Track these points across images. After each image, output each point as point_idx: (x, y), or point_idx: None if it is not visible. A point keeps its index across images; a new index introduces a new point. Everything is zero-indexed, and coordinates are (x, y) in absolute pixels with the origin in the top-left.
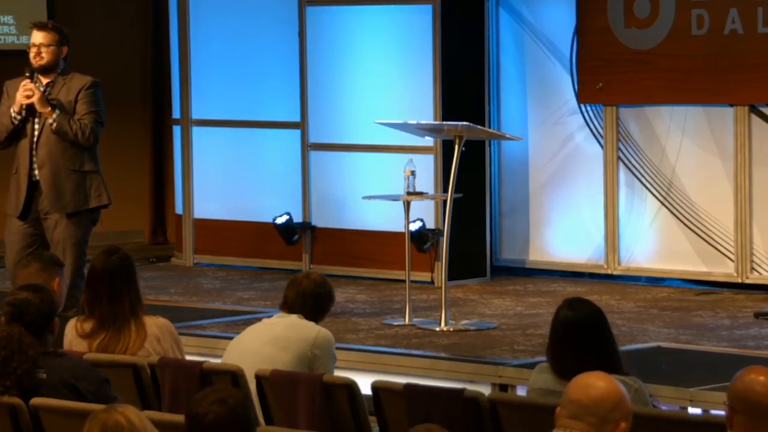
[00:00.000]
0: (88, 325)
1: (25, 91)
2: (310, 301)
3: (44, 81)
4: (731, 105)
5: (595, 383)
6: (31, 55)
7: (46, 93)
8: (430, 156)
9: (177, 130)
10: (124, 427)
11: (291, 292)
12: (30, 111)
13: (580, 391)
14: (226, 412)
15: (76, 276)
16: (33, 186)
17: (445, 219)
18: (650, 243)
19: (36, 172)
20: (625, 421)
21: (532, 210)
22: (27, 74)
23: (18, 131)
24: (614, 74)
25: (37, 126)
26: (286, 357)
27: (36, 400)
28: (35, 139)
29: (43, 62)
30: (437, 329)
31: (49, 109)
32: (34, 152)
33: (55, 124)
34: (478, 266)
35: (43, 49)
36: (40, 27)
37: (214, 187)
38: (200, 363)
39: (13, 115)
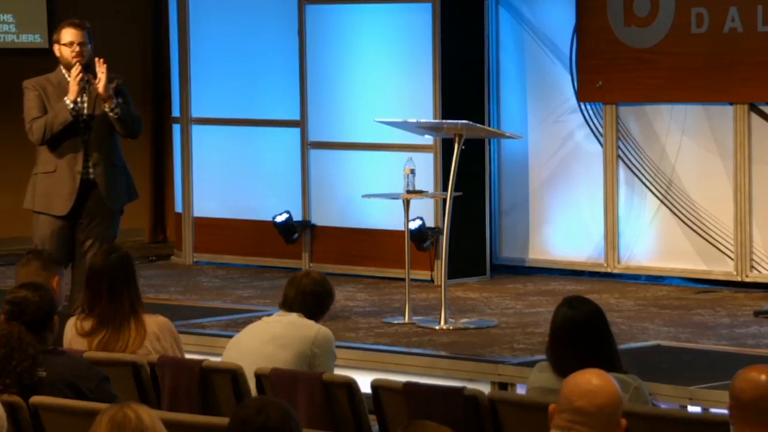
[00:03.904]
0: (87, 324)
1: (78, 80)
2: (310, 300)
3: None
4: (731, 103)
5: (597, 389)
6: (70, 53)
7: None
8: (429, 154)
9: (177, 129)
10: (132, 421)
11: (291, 291)
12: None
13: (584, 399)
14: None
15: None
16: (87, 185)
17: (444, 217)
18: (650, 241)
19: (91, 170)
20: (622, 417)
21: (531, 208)
22: (78, 66)
23: (68, 128)
24: (614, 73)
25: (83, 123)
26: (285, 355)
27: (36, 399)
28: (87, 137)
29: (84, 60)
30: (437, 328)
31: (110, 95)
32: (88, 150)
33: (118, 109)
34: (478, 265)
35: (83, 48)
36: (77, 26)
37: (214, 185)
38: (200, 361)
39: (71, 105)
